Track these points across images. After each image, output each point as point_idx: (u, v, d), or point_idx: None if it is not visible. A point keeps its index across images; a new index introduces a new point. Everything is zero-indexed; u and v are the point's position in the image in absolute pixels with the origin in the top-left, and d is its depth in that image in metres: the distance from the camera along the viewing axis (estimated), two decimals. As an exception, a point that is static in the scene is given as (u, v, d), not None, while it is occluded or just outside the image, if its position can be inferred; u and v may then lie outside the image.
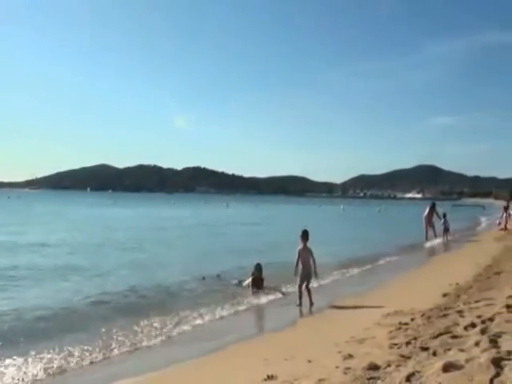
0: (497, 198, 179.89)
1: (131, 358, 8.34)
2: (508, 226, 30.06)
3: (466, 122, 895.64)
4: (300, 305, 11.96)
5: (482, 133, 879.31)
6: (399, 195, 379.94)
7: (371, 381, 5.08)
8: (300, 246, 12.07)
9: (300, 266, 11.99)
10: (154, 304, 11.98)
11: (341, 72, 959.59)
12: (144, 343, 9.02)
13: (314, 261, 12.04)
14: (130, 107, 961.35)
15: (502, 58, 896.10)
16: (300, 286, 12.04)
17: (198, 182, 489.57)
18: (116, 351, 8.57)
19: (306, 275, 12.00)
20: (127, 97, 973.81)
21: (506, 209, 32.12)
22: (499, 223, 34.20)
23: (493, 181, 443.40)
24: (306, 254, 11.98)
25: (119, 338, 9.25)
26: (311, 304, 11.94)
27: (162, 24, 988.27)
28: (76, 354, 8.28)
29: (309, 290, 12.07)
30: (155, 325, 10.18)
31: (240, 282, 14.37)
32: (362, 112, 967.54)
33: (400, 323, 8.15)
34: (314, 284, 12.62)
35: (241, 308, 11.99)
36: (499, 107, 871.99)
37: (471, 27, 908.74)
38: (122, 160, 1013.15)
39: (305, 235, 12.12)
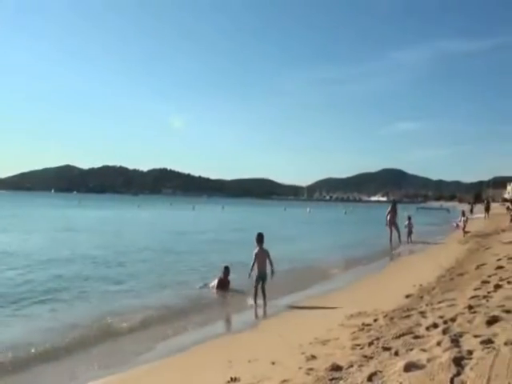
0: (461, 201, 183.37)
1: (92, 360, 8.17)
2: (466, 229, 30.63)
3: (429, 127, 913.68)
4: (254, 304, 12.25)
5: (446, 138, 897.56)
6: (365, 198, 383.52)
7: (333, 381, 5.08)
8: (256, 249, 12.46)
9: (256, 267, 12.35)
10: (116, 308, 11.69)
11: (309, 76, 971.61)
12: (103, 346, 8.85)
13: (271, 261, 12.37)
14: (100, 105, 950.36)
15: (464, 66, 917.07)
16: (256, 287, 12.38)
17: (164, 183, 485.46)
18: (79, 353, 8.36)
19: (262, 276, 12.35)
20: (96, 95, 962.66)
21: (464, 213, 32.77)
22: (457, 225, 35.11)
23: (457, 185, 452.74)
24: (262, 256, 12.37)
25: (85, 339, 9.09)
26: (265, 304, 12.23)
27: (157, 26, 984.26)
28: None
29: (264, 292, 12.39)
30: (116, 326, 10.04)
31: (205, 285, 14.22)
32: (330, 116, 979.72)
33: (363, 324, 8.18)
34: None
35: (204, 310, 11.90)
36: (461, 113, 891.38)
37: (434, 35, 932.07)
38: (87, 161, 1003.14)
39: (260, 238, 12.56)
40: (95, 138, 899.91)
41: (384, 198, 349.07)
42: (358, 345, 6.61)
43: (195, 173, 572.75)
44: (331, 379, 5.14)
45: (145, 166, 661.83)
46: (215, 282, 13.93)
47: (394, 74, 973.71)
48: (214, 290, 13.74)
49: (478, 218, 51.14)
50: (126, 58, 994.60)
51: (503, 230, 27.00)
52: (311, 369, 5.82)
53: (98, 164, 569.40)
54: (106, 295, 13.19)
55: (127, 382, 7.07)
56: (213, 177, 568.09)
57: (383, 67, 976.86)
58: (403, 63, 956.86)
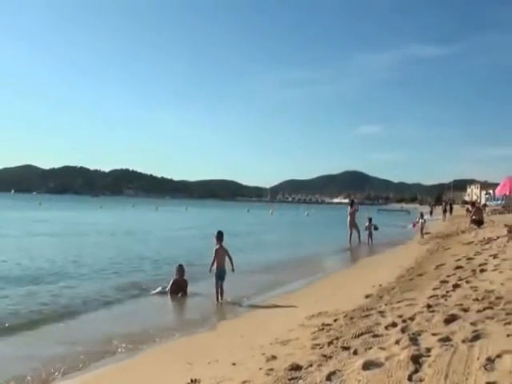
0: (422, 203, 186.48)
1: (50, 363, 7.93)
2: (424, 231, 31.15)
3: (391, 130, 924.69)
4: (217, 300, 12.56)
5: (407, 141, 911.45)
6: (327, 200, 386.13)
7: (293, 381, 5.09)
8: (216, 246, 12.83)
9: (215, 264, 12.71)
10: (71, 314, 11.33)
11: (274, 78, 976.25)
12: (60, 351, 8.65)
13: (230, 259, 12.83)
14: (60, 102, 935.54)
15: (427, 71, 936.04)
16: (216, 285, 12.66)
17: (126, 184, 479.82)
18: (37, 358, 8.11)
19: (221, 273, 12.68)
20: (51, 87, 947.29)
21: (422, 215, 33.28)
22: (414, 225, 35.85)
23: (418, 187, 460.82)
24: (221, 254, 12.76)
25: (42, 346, 8.91)
26: (222, 299, 12.63)
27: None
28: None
29: (222, 289, 12.68)
30: (72, 331, 9.89)
31: (163, 289, 13.88)
32: (293, 118, 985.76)
33: (323, 324, 8.19)
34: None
35: (161, 312, 11.81)
36: (422, 117, 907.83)
37: (399, 41, 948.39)
38: (48, 160, 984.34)
39: (219, 236, 12.97)
40: (56, 136, 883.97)
41: (346, 200, 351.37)
42: (318, 344, 6.61)
43: (158, 173, 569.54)
44: (290, 379, 5.15)
45: (106, 167, 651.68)
46: (170, 283, 13.66)
47: (357, 77, 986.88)
48: (168, 293, 13.46)
49: (438, 220, 52.04)
50: (98, 56, 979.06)
51: (463, 232, 27.45)
52: (271, 369, 5.81)
53: (58, 164, 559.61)
54: (58, 300, 12.71)
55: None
56: (176, 178, 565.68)
57: (347, 71, 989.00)
58: (367, 67, 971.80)
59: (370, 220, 29.49)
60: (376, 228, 29.53)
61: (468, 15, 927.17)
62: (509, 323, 5.93)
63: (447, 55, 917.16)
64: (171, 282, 13.62)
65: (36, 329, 10.13)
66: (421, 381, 4.45)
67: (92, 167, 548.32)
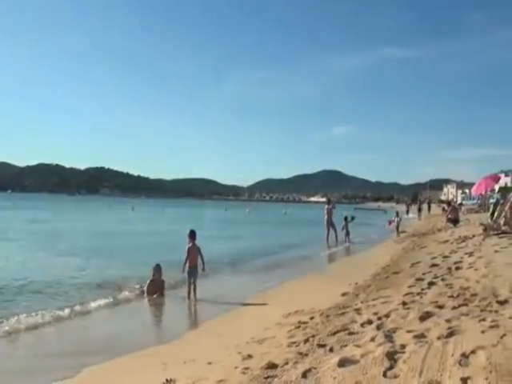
0: (398, 202, 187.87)
1: (29, 367, 7.83)
2: (400, 229, 31.41)
3: (370, 130, 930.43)
4: (188, 299, 12.60)
5: (385, 141, 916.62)
6: (304, 199, 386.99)
7: (268, 379, 5.08)
8: (189, 244, 12.92)
9: (188, 263, 12.82)
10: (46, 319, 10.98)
11: (246, 78, 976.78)
12: (37, 361, 8.45)
13: (202, 258, 12.97)
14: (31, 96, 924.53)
15: (400, 73, 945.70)
16: (189, 283, 12.74)
17: (102, 183, 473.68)
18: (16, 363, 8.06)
19: (193, 272, 12.80)
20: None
21: (398, 213, 33.55)
22: (390, 223, 36.19)
23: (395, 186, 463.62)
24: (194, 252, 12.86)
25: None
26: (195, 299, 12.59)
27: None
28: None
29: (195, 287, 12.74)
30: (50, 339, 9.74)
31: (140, 288, 13.69)
32: (270, 117, 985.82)
33: (299, 322, 8.21)
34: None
35: (137, 313, 11.76)
36: (399, 118, 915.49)
37: (373, 42, 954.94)
38: (23, 158, 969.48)
39: (192, 234, 13.10)
40: (31, 134, 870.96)
41: (323, 199, 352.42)
42: (294, 342, 6.62)
43: (134, 172, 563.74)
44: (266, 377, 5.14)
45: (81, 165, 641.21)
46: (147, 283, 13.53)
47: (334, 78, 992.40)
48: (145, 294, 13.32)
49: (414, 218, 52.49)
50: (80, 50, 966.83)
51: (439, 230, 27.67)
52: (247, 368, 5.81)
53: (33, 162, 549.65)
54: (33, 306, 12.35)
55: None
56: (152, 176, 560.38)
57: (325, 70, 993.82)
58: (344, 68, 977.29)
59: (346, 218, 29.43)
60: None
61: (441, 18, 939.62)
62: (483, 320, 5.98)
63: (421, 57, 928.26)
64: (148, 282, 13.46)
65: (11, 340, 9.72)
66: (395, 377, 4.47)
67: (67, 165, 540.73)
